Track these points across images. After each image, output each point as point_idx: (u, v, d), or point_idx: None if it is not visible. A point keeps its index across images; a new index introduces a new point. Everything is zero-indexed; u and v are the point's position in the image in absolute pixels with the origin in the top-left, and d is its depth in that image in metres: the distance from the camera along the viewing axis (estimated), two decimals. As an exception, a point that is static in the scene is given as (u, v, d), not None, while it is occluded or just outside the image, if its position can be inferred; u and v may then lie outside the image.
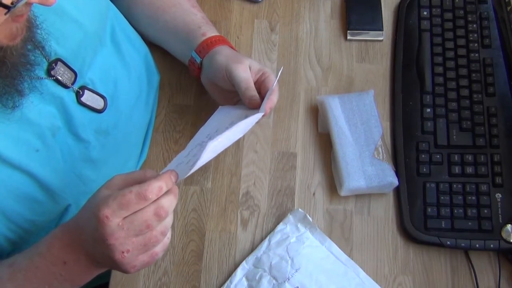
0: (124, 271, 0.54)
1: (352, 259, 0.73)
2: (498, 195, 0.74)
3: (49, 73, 0.61)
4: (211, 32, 0.75)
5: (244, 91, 0.67)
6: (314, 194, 0.78)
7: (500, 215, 0.73)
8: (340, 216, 0.76)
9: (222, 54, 0.71)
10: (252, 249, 0.74)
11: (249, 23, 0.88)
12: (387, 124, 0.81)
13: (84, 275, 0.57)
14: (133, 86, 0.77)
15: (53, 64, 0.61)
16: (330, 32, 0.87)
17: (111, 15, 0.73)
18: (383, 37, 0.86)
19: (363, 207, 0.77)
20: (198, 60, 0.74)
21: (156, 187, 0.51)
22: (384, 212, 0.77)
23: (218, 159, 0.79)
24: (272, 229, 0.75)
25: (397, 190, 0.76)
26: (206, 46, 0.73)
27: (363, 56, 0.86)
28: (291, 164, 0.79)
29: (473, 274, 0.73)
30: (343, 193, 0.75)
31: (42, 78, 0.61)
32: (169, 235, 0.54)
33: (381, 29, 0.86)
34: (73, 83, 0.64)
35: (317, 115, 0.82)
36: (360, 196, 0.77)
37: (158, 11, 0.79)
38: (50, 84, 0.62)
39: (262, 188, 0.78)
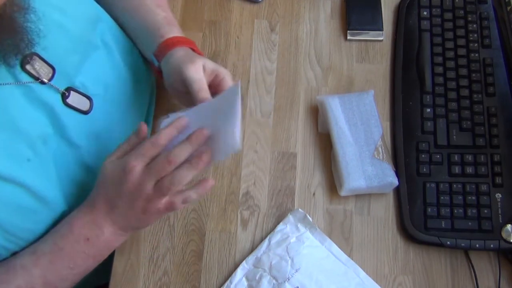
0: (147, 220, 0.62)
1: (352, 259, 0.73)
2: (498, 195, 0.74)
3: (24, 67, 0.58)
4: (170, 33, 0.72)
5: (197, 93, 0.64)
6: (314, 194, 0.78)
7: (500, 215, 0.73)
8: (340, 216, 0.76)
9: (176, 55, 0.68)
10: (252, 249, 0.74)
11: (249, 23, 0.88)
12: (387, 124, 0.81)
13: (105, 249, 0.64)
14: (127, 88, 0.76)
15: (28, 58, 0.59)
16: (330, 32, 0.88)
17: (103, 18, 0.72)
18: (383, 37, 0.86)
19: (363, 207, 0.77)
20: (156, 64, 0.72)
21: (166, 133, 0.59)
22: (384, 212, 0.77)
23: (218, 159, 0.80)
24: (272, 229, 0.75)
25: (397, 190, 0.76)
26: (163, 49, 0.70)
27: (363, 56, 0.86)
28: (291, 164, 0.79)
29: (473, 274, 0.73)
30: (343, 193, 0.75)
31: (26, 83, 0.59)
32: (189, 194, 0.61)
33: (381, 29, 0.86)
34: (51, 79, 0.61)
35: (317, 115, 0.82)
36: (360, 196, 0.77)
37: (123, 11, 0.76)
38: (35, 87, 0.60)
39: (262, 188, 0.78)
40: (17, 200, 0.59)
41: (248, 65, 0.85)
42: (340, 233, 0.75)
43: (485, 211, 0.73)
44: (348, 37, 0.86)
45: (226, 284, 0.72)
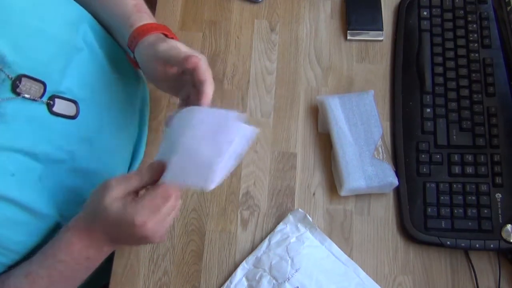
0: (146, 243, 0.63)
1: (352, 259, 0.73)
2: (498, 195, 0.74)
3: (15, 91, 0.57)
4: (140, 21, 0.69)
5: (182, 60, 0.60)
6: (314, 194, 0.78)
7: (500, 215, 0.73)
8: (340, 216, 0.76)
9: (147, 42, 0.65)
10: (252, 249, 0.74)
11: (249, 23, 0.88)
12: (387, 124, 0.81)
13: (103, 257, 0.64)
14: (116, 88, 0.74)
15: (17, 82, 0.57)
16: (330, 32, 0.88)
17: (85, 18, 0.70)
18: (383, 37, 0.86)
19: (363, 207, 0.77)
20: (132, 55, 0.69)
21: (175, 188, 0.58)
22: (384, 212, 0.77)
23: (218, 159, 0.80)
24: (272, 229, 0.75)
25: (397, 190, 0.76)
26: (134, 39, 0.67)
27: (363, 56, 0.86)
28: (291, 164, 0.79)
29: (473, 274, 0.73)
30: (343, 193, 0.75)
31: (9, 98, 0.57)
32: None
33: (381, 29, 0.86)
34: (42, 95, 0.60)
35: (317, 115, 0.82)
36: (360, 196, 0.77)
37: (95, 5, 0.73)
38: (17, 102, 0.58)
39: (262, 188, 0.78)
40: (4, 213, 0.58)
41: (248, 65, 0.85)
42: (340, 233, 0.75)
43: (485, 211, 0.73)
44: (348, 37, 0.86)
45: (226, 284, 0.72)
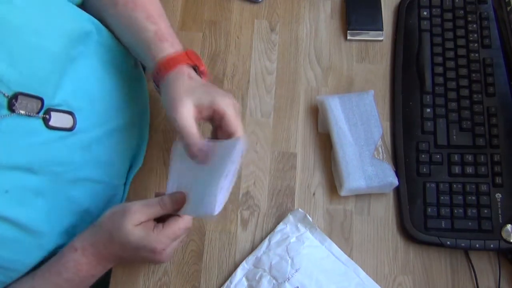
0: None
1: (352, 259, 0.73)
2: (498, 195, 0.74)
3: (11, 108, 0.56)
4: (161, 51, 0.65)
5: (187, 147, 0.60)
6: (314, 194, 0.78)
7: (500, 215, 0.73)
8: (340, 216, 0.76)
9: (168, 89, 0.62)
10: (252, 249, 0.74)
11: (249, 23, 0.88)
12: (387, 124, 0.81)
13: (106, 271, 0.66)
14: (118, 94, 0.73)
15: (13, 100, 0.56)
16: (330, 32, 0.88)
17: (86, 29, 0.67)
18: (383, 37, 0.86)
19: (363, 207, 0.77)
20: (156, 88, 0.67)
21: (190, 220, 0.64)
22: (384, 212, 0.77)
23: (218, 159, 0.80)
24: (272, 229, 0.75)
25: (397, 190, 0.76)
26: (157, 74, 0.65)
27: (363, 56, 0.86)
28: (291, 164, 0.79)
29: (473, 274, 0.73)
30: (343, 193, 0.75)
31: (4, 116, 0.56)
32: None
33: (381, 29, 0.86)
34: (39, 110, 0.59)
35: (317, 115, 0.82)
36: (360, 196, 0.77)
37: (116, 28, 0.72)
38: (12, 119, 0.56)
39: (262, 188, 0.78)
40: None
41: (248, 65, 0.85)
42: (340, 233, 0.75)
43: (485, 211, 0.73)
44: (348, 37, 0.86)
45: (226, 284, 0.72)
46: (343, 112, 0.78)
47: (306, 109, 0.83)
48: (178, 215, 0.63)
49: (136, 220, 0.60)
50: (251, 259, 0.73)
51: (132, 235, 0.60)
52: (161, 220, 0.62)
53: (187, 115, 0.59)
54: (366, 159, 0.75)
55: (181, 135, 0.59)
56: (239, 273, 0.72)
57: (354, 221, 0.76)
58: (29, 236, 0.60)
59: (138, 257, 0.63)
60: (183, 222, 0.63)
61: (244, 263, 0.73)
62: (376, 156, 0.75)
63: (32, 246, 0.62)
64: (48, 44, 0.59)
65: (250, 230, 0.76)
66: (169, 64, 0.64)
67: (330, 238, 0.74)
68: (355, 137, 0.76)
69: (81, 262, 0.62)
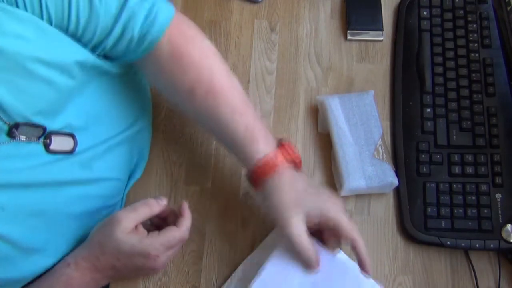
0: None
1: (352, 259, 0.73)
2: (498, 195, 0.74)
3: (11, 135, 0.55)
4: (255, 152, 0.62)
5: (302, 259, 0.61)
6: (314, 194, 0.77)
7: (500, 215, 0.73)
8: (340, 216, 0.76)
9: (269, 198, 0.61)
10: (252, 249, 0.74)
11: (249, 23, 0.88)
12: (387, 124, 0.81)
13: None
14: (120, 111, 0.71)
15: (14, 129, 0.55)
16: (330, 32, 0.88)
17: (90, 60, 0.61)
18: (383, 37, 0.86)
19: (363, 207, 0.77)
20: (252, 187, 0.65)
21: (188, 224, 0.65)
22: (384, 212, 0.77)
23: (218, 159, 0.79)
24: (272, 229, 0.75)
25: (397, 190, 0.76)
26: (255, 179, 0.63)
27: (363, 56, 0.86)
28: (291, 164, 0.79)
29: (473, 274, 0.73)
30: (343, 193, 0.75)
31: (4, 142, 0.55)
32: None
33: (381, 29, 0.86)
34: (40, 137, 0.58)
35: (317, 115, 0.82)
36: (360, 196, 0.77)
37: (203, 123, 0.69)
38: (12, 145, 0.56)
39: (262, 188, 0.78)
40: None
41: (248, 65, 0.85)
42: (340, 233, 0.75)
43: (485, 211, 0.73)
44: (348, 37, 0.86)
45: (226, 284, 0.72)
46: (343, 112, 0.78)
47: (306, 109, 0.83)
48: (176, 226, 0.64)
49: (125, 227, 0.61)
50: (251, 259, 0.73)
51: (124, 243, 0.60)
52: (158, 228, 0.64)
53: (300, 231, 0.60)
54: (366, 159, 0.75)
55: (296, 250, 0.60)
56: (239, 273, 0.72)
57: (354, 221, 0.76)
58: (21, 253, 0.60)
59: (133, 267, 0.63)
60: (178, 232, 0.63)
61: (244, 263, 0.73)
62: (376, 156, 0.75)
63: (24, 264, 0.61)
64: (54, 76, 0.57)
65: (250, 230, 0.76)
66: (266, 168, 0.62)
67: (330, 238, 0.74)
68: (355, 137, 0.76)
69: (74, 276, 0.61)
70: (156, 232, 0.62)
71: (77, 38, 0.58)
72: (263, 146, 0.63)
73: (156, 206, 0.64)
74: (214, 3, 0.89)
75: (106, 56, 0.63)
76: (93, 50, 0.60)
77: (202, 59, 0.64)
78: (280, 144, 0.65)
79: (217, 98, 0.63)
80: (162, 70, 0.64)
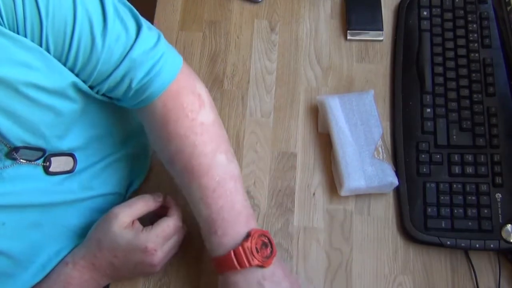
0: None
1: (352, 259, 0.73)
2: (498, 195, 0.74)
3: (11, 157, 0.55)
4: (212, 244, 0.62)
5: None
6: (314, 194, 0.77)
7: (500, 215, 0.73)
8: (340, 216, 0.76)
9: None
10: (252, 249, 0.74)
11: (249, 23, 0.88)
12: (387, 124, 0.81)
13: None
14: (119, 126, 0.71)
15: (14, 152, 0.55)
16: (330, 32, 0.88)
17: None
18: (383, 37, 0.86)
19: (363, 207, 0.77)
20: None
21: (177, 212, 0.66)
22: (384, 212, 0.77)
23: (218, 159, 0.79)
24: (272, 229, 0.75)
25: (397, 190, 0.76)
26: (216, 266, 0.63)
27: (363, 56, 0.86)
28: (291, 164, 0.79)
29: (473, 274, 0.73)
30: (343, 193, 0.75)
31: (5, 167, 0.55)
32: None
33: (381, 29, 0.86)
34: (39, 158, 0.58)
35: (317, 115, 0.82)
36: (360, 196, 0.77)
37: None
38: (12, 169, 0.56)
39: (262, 188, 0.78)
40: None
41: (248, 65, 0.85)
42: (340, 233, 0.75)
43: (485, 211, 0.73)
44: (348, 37, 0.86)
45: (226, 284, 0.72)
46: (343, 112, 0.78)
47: (306, 109, 0.83)
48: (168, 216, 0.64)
49: (121, 222, 0.61)
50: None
51: (121, 237, 0.61)
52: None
53: None
54: (366, 159, 0.75)
55: None
56: (239, 273, 0.72)
57: (354, 221, 0.76)
58: (20, 268, 0.60)
59: (131, 264, 0.63)
60: (172, 220, 0.64)
61: (244, 263, 0.73)
62: (376, 156, 0.75)
63: (23, 278, 0.62)
64: (54, 102, 0.56)
65: (250, 230, 0.76)
66: (217, 266, 0.62)
67: (330, 238, 0.74)
68: (355, 137, 0.76)
69: (72, 276, 0.62)
70: (150, 226, 0.63)
71: (74, 74, 0.56)
72: (219, 240, 0.61)
73: (152, 202, 0.65)
74: (214, 3, 0.89)
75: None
76: (90, 88, 0.59)
77: (188, 135, 0.61)
78: (248, 237, 0.60)
79: (190, 177, 0.62)
80: (151, 128, 0.63)
